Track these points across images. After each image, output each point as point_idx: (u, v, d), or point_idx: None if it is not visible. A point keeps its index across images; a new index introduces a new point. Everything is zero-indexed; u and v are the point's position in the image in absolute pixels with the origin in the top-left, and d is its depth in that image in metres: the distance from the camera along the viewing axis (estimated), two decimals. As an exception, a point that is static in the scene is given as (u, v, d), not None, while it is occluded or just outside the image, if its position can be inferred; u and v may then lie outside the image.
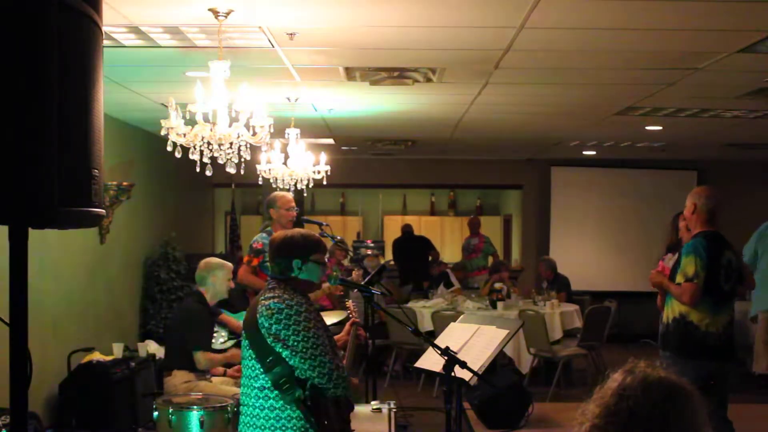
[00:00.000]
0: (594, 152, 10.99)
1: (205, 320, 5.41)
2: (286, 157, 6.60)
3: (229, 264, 5.60)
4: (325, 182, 7.05)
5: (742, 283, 4.93)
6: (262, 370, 3.15)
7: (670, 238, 5.84)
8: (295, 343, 3.09)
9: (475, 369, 3.68)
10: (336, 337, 3.76)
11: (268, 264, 5.67)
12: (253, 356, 3.17)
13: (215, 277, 5.42)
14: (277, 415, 3.14)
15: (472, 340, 4.11)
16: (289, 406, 3.13)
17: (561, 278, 9.29)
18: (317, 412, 3.14)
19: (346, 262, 9.94)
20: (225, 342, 6.59)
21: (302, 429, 3.13)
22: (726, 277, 4.68)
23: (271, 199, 5.97)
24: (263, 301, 3.19)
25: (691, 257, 4.63)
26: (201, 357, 5.24)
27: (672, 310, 4.74)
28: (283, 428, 3.13)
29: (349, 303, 4.99)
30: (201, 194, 11.65)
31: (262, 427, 3.16)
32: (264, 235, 5.90)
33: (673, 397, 1.70)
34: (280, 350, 3.10)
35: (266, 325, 3.12)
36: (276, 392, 3.13)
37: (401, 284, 10.83)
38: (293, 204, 5.95)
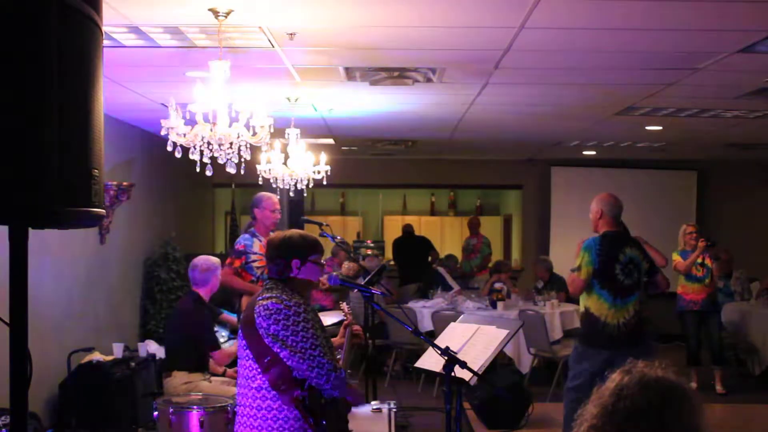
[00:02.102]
0: (594, 152, 10.99)
1: (210, 321, 5.45)
2: (286, 157, 6.60)
3: (219, 260, 5.66)
4: (325, 182, 7.05)
5: (655, 276, 5.32)
6: (259, 370, 3.15)
7: None
8: (294, 343, 3.09)
9: (475, 369, 3.68)
10: (332, 340, 3.76)
11: (252, 264, 5.69)
12: (251, 356, 3.17)
13: (216, 277, 5.46)
14: (274, 415, 3.14)
15: (472, 340, 4.11)
16: (286, 407, 3.14)
17: (557, 279, 9.27)
18: (315, 413, 3.14)
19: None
20: (225, 342, 6.60)
21: (300, 429, 3.13)
22: (625, 273, 5.14)
23: (257, 199, 5.91)
24: (261, 302, 3.19)
25: (582, 252, 5.20)
26: (219, 356, 5.30)
27: (582, 304, 5.31)
28: (281, 429, 3.13)
29: (344, 305, 4.99)
30: (201, 194, 11.65)
31: (260, 428, 3.15)
32: (247, 236, 5.83)
33: (670, 397, 1.70)
34: (278, 350, 3.10)
35: (264, 325, 3.12)
36: (274, 392, 3.13)
37: (401, 284, 10.81)
38: (278, 207, 5.91)
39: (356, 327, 4.14)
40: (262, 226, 5.83)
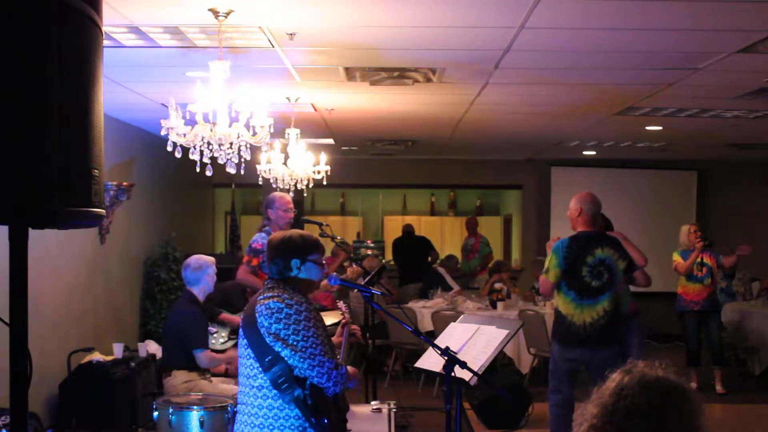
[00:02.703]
0: (594, 152, 10.99)
1: (201, 320, 5.43)
2: (286, 157, 6.61)
3: (213, 258, 5.64)
4: (325, 182, 7.05)
5: (633, 273, 5.33)
6: (260, 369, 3.14)
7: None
8: (295, 342, 3.09)
9: (475, 369, 3.68)
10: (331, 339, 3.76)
11: None
12: (252, 356, 3.17)
13: (208, 276, 5.45)
14: (275, 414, 3.14)
15: (472, 340, 4.11)
16: (287, 406, 3.14)
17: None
18: (316, 412, 3.14)
19: (346, 263, 9.93)
20: (225, 342, 6.60)
21: (300, 428, 3.13)
22: (593, 275, 5.12)
23: (269, 200, 5.98)
24: (262, 301, 3.19)
25: (551, 255, 5.22)
26: (204, 356, 5.27)
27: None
28: (282, 428, 3.13)
29: (340, 304, 4.99)
30: (201, 194, 11.65)
31: (261, 426, 3.15)
32: (263, 234, 5.90)
33: (671, 397, 1.70)
34: (280, 349, 3.10)
35: (266, 324, 3.12)
36: (275, 391, 3.13)
37: (401, 284, 10.81)
38: (291, 206, 5.97)
39: (354, 326, 4.14)
40: (276, 225, 5.88)
